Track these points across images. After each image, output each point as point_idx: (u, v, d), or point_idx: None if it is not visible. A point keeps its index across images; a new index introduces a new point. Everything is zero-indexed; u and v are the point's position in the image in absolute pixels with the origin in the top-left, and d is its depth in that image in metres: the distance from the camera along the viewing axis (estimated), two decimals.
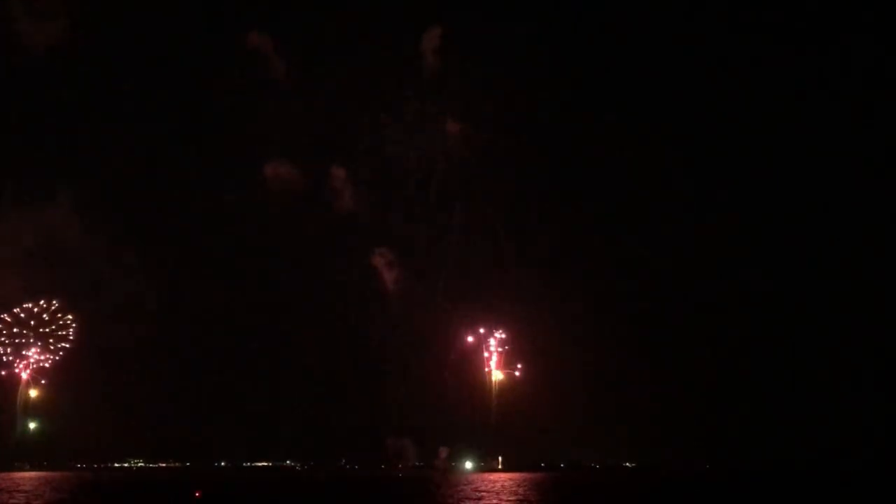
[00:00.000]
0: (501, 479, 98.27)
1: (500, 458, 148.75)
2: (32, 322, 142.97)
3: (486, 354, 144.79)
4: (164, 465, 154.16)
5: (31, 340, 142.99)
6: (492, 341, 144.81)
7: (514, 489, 72.61)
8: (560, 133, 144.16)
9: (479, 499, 56.16)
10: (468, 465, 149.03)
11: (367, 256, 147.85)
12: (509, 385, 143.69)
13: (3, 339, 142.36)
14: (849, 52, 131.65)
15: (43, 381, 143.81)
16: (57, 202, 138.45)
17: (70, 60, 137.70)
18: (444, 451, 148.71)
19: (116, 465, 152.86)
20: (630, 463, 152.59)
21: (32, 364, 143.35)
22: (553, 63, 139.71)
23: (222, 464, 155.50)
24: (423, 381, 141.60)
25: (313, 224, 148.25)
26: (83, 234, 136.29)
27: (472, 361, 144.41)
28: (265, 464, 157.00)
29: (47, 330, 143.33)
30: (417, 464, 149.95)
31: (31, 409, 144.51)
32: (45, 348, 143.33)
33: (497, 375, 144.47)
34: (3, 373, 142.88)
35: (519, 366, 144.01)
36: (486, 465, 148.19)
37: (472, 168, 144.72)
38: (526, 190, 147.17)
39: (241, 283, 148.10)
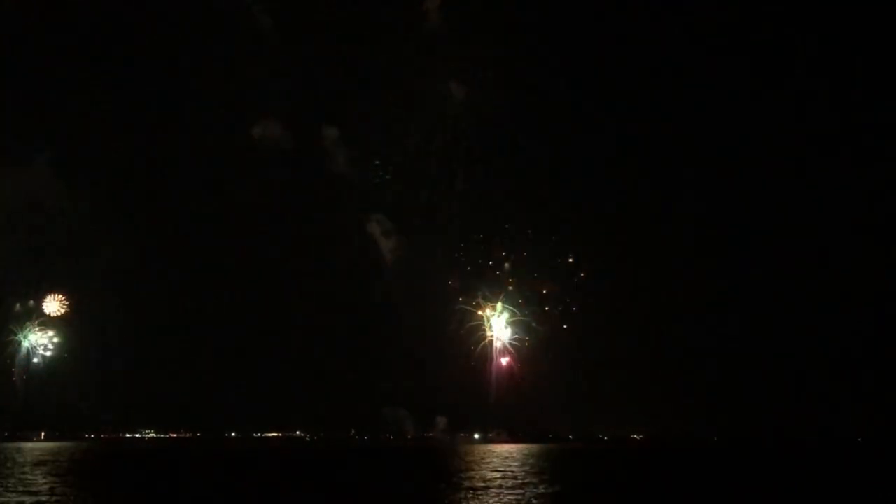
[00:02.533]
0: (531, 454, 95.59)
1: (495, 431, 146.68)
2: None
3: (487, 326, 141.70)
4: (174, 435, 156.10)
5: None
6: (494, 316, 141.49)
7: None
8: (569, 97, 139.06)
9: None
10: (476, 436, 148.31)
11: (363, 223, 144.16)
12: (513, 357, 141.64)
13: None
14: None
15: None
16: (34, 165, 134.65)
17: (45, 15, 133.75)
18: (441, 421, 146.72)
19: (127, 435, 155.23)
20: (638, 435, 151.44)
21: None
22: (562, 24, 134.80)
23: (232, 434, 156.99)
24: (420, 351, 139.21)
25: (305, 187, 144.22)
26: (65, 199, 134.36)
27: (471, 331, 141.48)
28: (275, 434, 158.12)
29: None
30: (428, 434, 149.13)
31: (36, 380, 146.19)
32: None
33: (500, 336, 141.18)
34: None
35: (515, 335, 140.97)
36: (494, 437, 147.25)
37: (476, 132, 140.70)
38: (532, 156, 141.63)
39: (231, 249, 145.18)
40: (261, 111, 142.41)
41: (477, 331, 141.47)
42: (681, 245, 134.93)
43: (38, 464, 62.60)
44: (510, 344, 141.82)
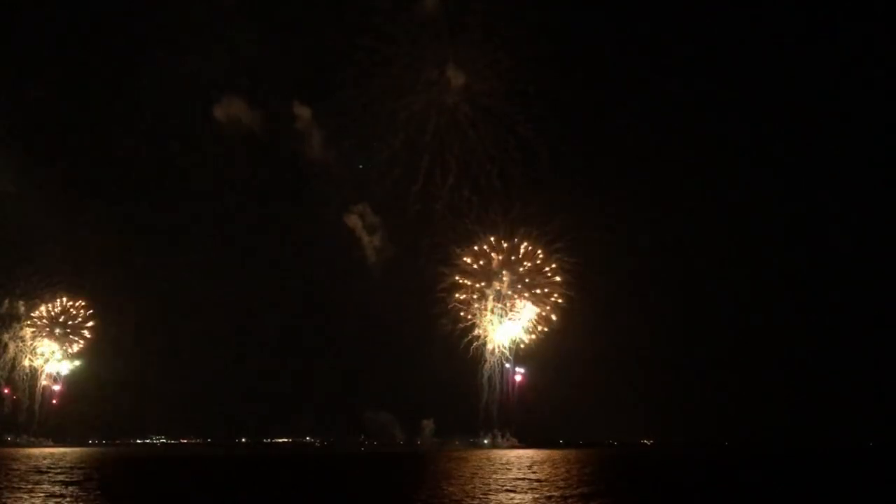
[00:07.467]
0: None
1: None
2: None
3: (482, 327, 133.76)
4: (185, 441, 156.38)
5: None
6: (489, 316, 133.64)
7: None
8: (572, 84, 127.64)
9: None
10: (485, 441, 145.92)
11: (342, 215, 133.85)
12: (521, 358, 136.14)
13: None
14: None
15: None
16: None
17: None
18: (427, 425, 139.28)
19: (139, 441, 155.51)
20: (647, 440, 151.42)
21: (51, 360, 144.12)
22: (566, 9, 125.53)
23: (243, 440, 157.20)
24: (405, 353, 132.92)
25: (275, 174, 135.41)
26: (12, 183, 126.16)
27: (464, 331, 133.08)
28: (285, 440, 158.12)
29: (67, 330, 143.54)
30: (435, 440, 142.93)
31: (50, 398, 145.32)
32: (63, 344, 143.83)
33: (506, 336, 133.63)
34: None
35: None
36: (503, 442, 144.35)
37: (471, 121, 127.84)
38: (532, 148, 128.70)
39: (201, 243, 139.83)
40: (225, 88, 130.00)
41: (470, 331, 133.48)
42: (688, 250, 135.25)
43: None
44: (508, 346, 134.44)
